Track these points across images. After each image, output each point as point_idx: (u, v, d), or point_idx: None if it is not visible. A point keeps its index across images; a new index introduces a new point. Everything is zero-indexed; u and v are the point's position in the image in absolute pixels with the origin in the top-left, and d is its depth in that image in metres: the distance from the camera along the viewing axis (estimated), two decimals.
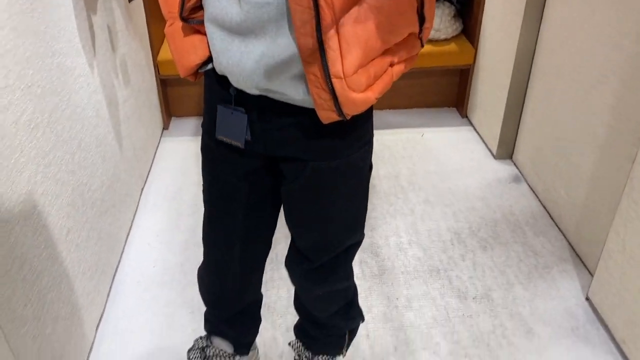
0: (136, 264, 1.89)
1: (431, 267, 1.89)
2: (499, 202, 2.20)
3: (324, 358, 1.41)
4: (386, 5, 0.81)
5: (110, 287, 1.77)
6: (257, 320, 1.43)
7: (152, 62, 2.45)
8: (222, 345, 1.38)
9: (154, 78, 2.49)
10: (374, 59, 0.84)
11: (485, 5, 2.45)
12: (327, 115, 0.87)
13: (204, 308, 1.72)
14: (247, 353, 1.44)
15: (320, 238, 1.15)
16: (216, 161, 1.09)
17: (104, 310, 1.70)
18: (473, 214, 2.14)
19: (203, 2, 0.90)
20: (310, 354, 1.41)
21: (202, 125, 1.09)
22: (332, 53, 0.79)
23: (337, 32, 0.78)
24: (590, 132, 1.80)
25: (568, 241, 1.98)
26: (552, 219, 2.09)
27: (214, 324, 1.39)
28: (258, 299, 1.40)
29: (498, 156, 2.46)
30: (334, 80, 0.81)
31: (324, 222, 1.11)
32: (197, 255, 1.90)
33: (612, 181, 1.70)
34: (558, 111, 2.02)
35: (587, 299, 1.73)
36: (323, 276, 1.22)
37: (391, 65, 0.88)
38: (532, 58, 2.20)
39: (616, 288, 1.56)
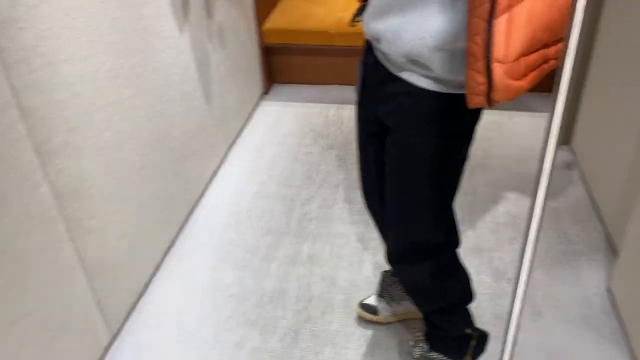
0: (211, 206, 2.16)
1: (476, 245, 1.92)
2: (568, 192, 2.13)
3: (439, 357, 1.42)
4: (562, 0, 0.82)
5: (185, 222, 2.07)
6: None
7: (254, 30, 2.70)
8: None
9: (256, 45, 2.73)
10: (536, 50, 0.85)
11: None
12: (476, 100, 0.89)
13: (258, 249, 1.95)
14: None
15: (387, 220, 1.24)
16: (357, 121, 1.28)
17: (175, 238, 2.00)
18: None
19: None
20: (427, 346, 1.45)
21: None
22: (499, 37, 0.81)
23: (510, 17, 0.80)
24: (631, 117, 1.74)
25: (607, 231, 1.91)
26: (594, 208, 2.01)
27: None
28: None
29: (559, 142, 2.36)
30: (494, 64, 0.83)
31: (389, 202, 1.19)
32: (260, 205, 2.13)
33: None
34: (613, 98, 1.94)
35: (608, 289, 1.67)
36: (396, 267, 1.29)
37: (546, 61, 0.89)
38: (593, 44, 2.10)
39: (631, 278, 1.52)
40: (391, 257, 1.29)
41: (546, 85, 2.92)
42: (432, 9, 0.93)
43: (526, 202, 2.09)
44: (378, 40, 1.06)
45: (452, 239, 1.26)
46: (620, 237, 1.78)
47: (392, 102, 1.07)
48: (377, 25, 1.03)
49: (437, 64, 0.97)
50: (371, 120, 1.18)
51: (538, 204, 0.87)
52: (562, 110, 0.82)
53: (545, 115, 2.70)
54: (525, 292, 0.95)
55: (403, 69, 1.04)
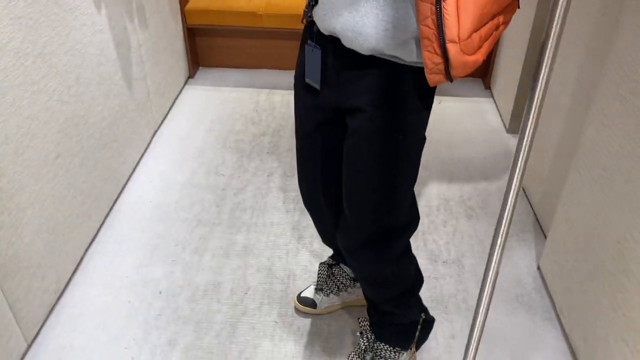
0: (136, 198, 2.03)
1: None
2: (497, 174, 2.18)
3: (385, 347, 1.39)
4: None
5: (107, 215, 1.93)
6: None
7: (179, 10, 2.55)
8: (346, 269, 1.55)
9: (180, 26, 2.59)
10: (486, 23, 0.87)
11: None
12: (436, 79, 0.90)
13: (188, 242, 1.86)
14: None
15: (350, 207, 1.18)
16: (299, 109, 1.20)
17: (97, 233, 1.85)
18: (468, 183, 2.13)
19: None
20: (373, 336, 1.41)
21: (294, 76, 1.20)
22: (450, 19, 0.82)
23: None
24: (556, 101, 1.78)
25: (534, 212, 1.98)
26: (523, 190, 2.09)
27: (334, 254, 1.53)
28: None
29: (510, 130, 2.41)
30: (448, 45, 0.84)
31: (353, 190, 1.15)
32: (189, 195, 2.03)
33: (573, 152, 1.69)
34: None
35: (539, 268, 1.73)
36: (360, 255, 1.23)
37: (497, 27, 0.90)
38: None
39: (559, 257, 1.57)
40: (354, 246, 1.23)
41: (476, 71, 2.98)
42: None
43: (457, 186, 2.11)
44: (337, 37, 1.00)
45: (416, 215, 1.24)
46: (548, 218, 1.84)
47: (360, 82, 1.03)
48: (333, 24, 0.98)
49: (403, 52, 0.95)
50: (326, 106, 1.12)
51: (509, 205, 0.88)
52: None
53: (474, 99, 2.75)
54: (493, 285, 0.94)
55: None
